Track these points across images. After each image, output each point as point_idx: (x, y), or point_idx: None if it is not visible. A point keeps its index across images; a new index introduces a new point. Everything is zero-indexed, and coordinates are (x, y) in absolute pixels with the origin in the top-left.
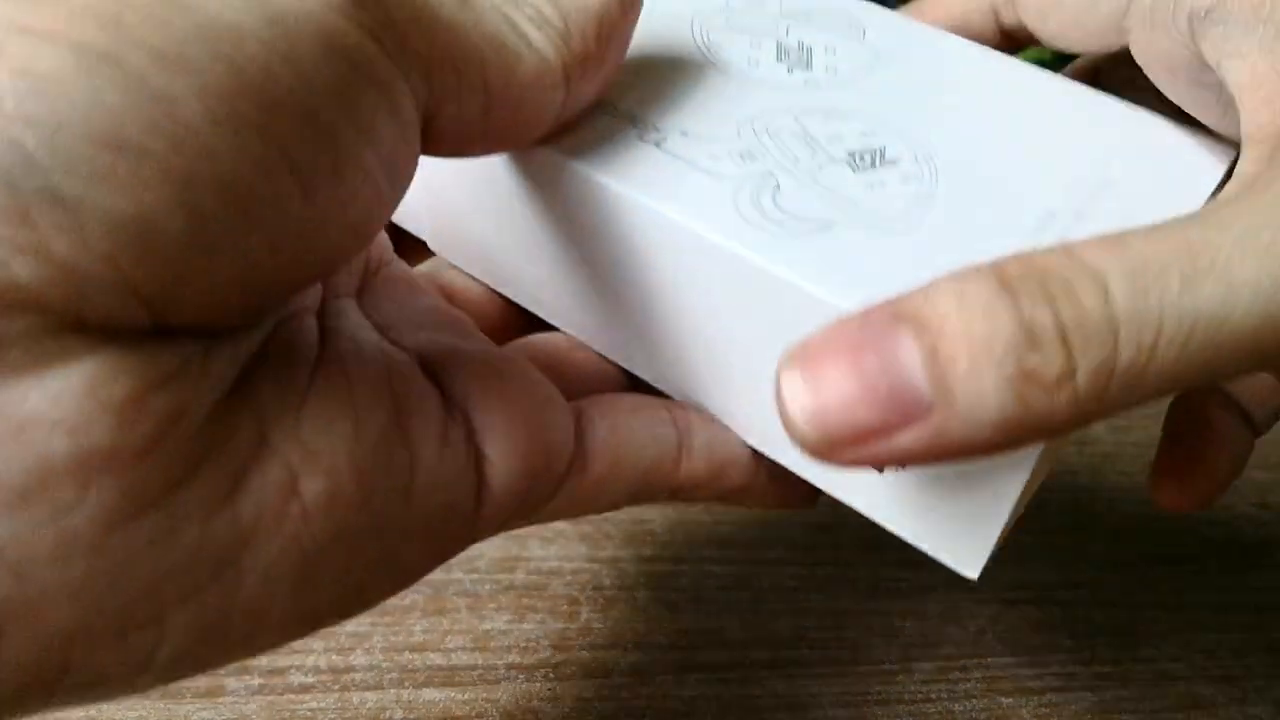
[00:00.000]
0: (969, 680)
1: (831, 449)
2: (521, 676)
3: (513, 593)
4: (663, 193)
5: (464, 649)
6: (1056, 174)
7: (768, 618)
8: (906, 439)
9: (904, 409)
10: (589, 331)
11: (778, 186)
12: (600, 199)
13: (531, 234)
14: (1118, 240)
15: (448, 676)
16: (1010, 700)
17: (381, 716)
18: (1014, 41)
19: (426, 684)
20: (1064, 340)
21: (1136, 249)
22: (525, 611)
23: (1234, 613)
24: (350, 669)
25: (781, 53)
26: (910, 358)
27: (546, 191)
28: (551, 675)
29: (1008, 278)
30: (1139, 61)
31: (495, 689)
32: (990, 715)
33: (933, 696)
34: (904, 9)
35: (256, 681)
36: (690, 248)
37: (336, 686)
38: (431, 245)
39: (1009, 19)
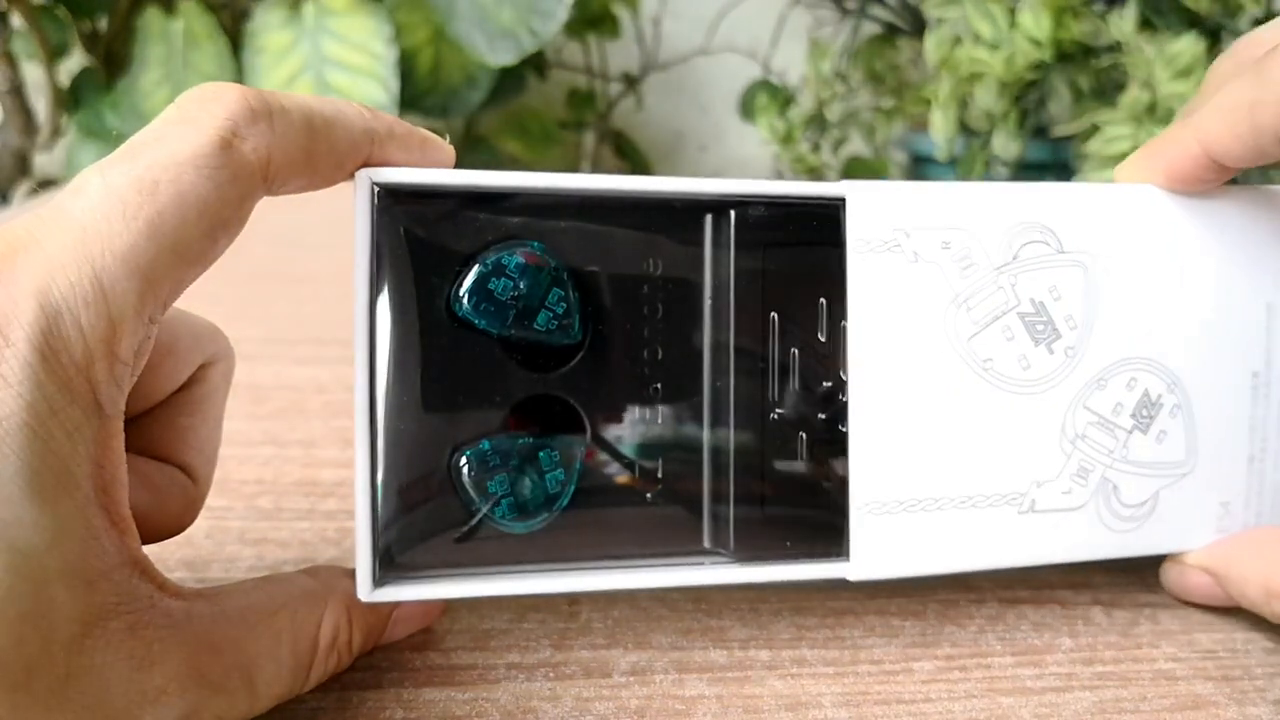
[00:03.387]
0: (969, 680)
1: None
2: (521, 676)
3: None
4: (1060, 547)
5: (464, 649)
6: (1243, 323)
7: (768, 618)
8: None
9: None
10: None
11: (1115, 488)
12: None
13: None
14: None
15: (447, 676)
16: (1010, 700)
17: (381, 716)
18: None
19: (426, 683)
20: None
21: None
22: (525, 611)
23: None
24: (350, 668)
25: (1031, 330)
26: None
27: None
28: (551, 675)
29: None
30: None
31: (495, 689)
32: (990, 715)
33: (933, 696)
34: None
35: None
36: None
37: (336, 686)
38: None
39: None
